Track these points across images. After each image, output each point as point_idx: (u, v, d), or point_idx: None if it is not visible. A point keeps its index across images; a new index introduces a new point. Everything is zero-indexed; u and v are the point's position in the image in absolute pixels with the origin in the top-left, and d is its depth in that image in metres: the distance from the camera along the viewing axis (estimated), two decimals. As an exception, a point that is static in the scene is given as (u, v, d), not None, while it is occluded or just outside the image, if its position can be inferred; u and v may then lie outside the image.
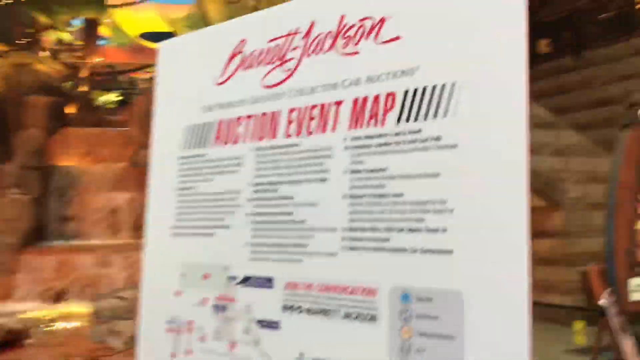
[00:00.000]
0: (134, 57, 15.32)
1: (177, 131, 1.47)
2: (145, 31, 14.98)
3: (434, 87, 1.04)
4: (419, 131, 1.05)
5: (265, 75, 1.30)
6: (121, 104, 12.39)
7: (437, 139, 1.02)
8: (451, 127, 1.01)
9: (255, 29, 1.35)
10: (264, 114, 1.29)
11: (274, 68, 1.29)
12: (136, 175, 6.45)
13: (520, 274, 0.91)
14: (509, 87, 0.96)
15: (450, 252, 0.99)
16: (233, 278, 1.29)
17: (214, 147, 1.38)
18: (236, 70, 1.36)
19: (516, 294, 0.91)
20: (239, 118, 1.34)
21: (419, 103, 1.06)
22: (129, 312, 4.45)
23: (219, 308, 1.30)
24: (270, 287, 1.22)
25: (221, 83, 1.39)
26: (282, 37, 1.29)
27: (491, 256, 0.94)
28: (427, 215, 1.02)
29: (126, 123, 8.41)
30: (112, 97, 12.99)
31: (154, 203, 1.50)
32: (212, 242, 1.34)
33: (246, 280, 1.26)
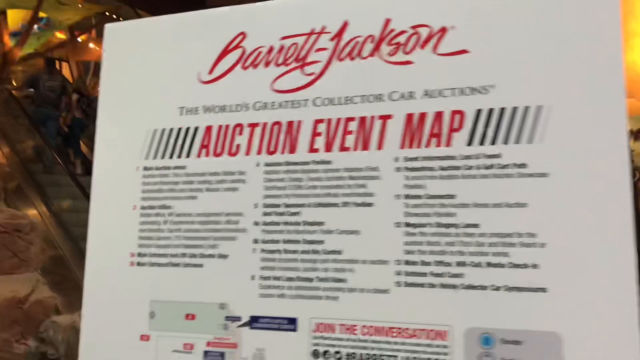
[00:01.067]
0: None
1: (138, 136, 1.19)
2: None
3: (514, 109, 0.96)
4: (498, 156, 0.95)
5: (277, 78, 1.11)
6: None
7: (522, 166, 0.94)
8: (539, 155, 0.93)
9: (260, 22, 1.14)
10: (276, 123, 1.10)
11: (289, 70, 1.10)
12: None
13: (629, 310, 0.86)
14: (606, 111, 0.91)
15: (543, 290, 0.90)
16: (234, 319, 1.06)
17: (198, 158, 1.14)
18: (232, 68, 1.14)
19: (626, 335, 0.86)
20: (238, 125, 1.12)
21: (495, 125, 0.96)
22: None
23: (214, 355, 1.06)
24: (291, 329, 1.02)
25: (210, 81, 1.15)
26: (301, 35, 1.10)
27: (595, 295, 0.88)
28: (511, 249, 0.93)
29: None
30: None
31: (100, 223, 1.19)
32: (200, 275, 1.10)
33: (255, 321, 1.05)
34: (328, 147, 1.05)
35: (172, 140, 1.16)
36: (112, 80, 1.23)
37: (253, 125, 1.11)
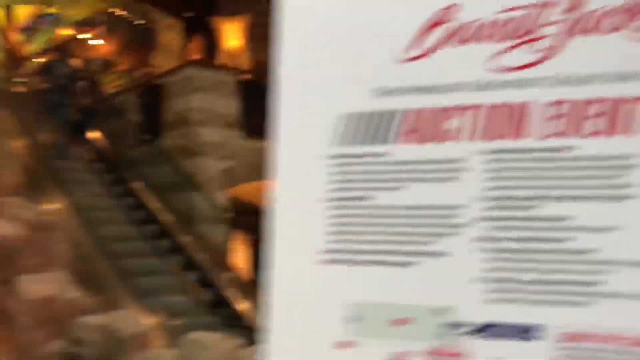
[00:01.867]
0: None
1: (325, 120, 1.06)
2: None
3: None
4: None
5: (499, 55, 0.98)
6: None
7: None
8: None
9: (473, -8, 1.02)
10: (500, 104, 0.97)
11: (514, 46, 0.98)
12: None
13: None
14: None
15: None
16: (457, 325, 0.94)
17: (402, 144, 1.01)
18: (441, 43, 1.02)
19: None
20: (452, 108, 0.99)
21: None
22: None
23: (435, 367, 0.94)
24: (535, 338, 0.90)
25: (414, 59, 1.03)
26: (528, 7, 0.98)
27: None
28: None
29: None
30: None
31: (286, 218, 1.06)
32: (411, 275, 0.97)
33: (486, 329, 0.92)
34: (568, 132, 0.93)
35: (368, 125, 1.03)
36: (292, 57, 1.10)
37: (471, 108, 0.98)
